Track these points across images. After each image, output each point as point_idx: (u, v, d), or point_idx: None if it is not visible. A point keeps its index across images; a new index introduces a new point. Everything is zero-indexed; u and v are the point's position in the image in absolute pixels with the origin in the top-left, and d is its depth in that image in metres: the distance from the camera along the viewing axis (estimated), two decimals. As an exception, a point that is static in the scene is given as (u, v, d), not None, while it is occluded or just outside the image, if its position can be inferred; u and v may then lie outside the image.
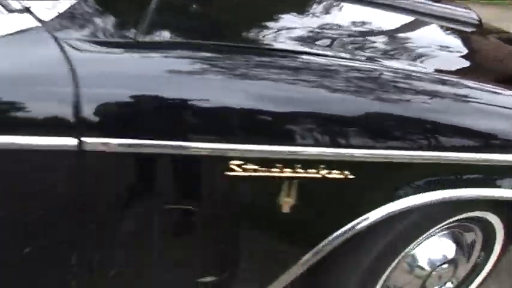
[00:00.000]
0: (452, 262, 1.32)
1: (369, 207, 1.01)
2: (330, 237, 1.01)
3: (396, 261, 1.21)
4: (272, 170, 0.92)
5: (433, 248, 1.29)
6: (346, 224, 1.01)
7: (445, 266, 1.31)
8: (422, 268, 1.29)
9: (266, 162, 0.91)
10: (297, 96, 0.93)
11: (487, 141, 1.08)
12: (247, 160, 0.90)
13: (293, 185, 0.95)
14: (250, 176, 0.92)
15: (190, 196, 0.95)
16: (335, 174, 0.95)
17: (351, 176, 0.96)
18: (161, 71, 0.88)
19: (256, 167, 0.91)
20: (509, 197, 1.14)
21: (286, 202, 0.96)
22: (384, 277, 1.23)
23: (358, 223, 1.01)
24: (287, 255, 1.05)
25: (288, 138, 0.92)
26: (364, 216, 1.01)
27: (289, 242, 1.06)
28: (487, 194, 1.11)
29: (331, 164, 0.94)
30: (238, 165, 0.91)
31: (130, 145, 0.84)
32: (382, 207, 1.01)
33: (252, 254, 1.04)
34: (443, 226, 1.25)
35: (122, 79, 0.84)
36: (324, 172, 0.94)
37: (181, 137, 0.87)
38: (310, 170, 0.94)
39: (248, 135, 0.91)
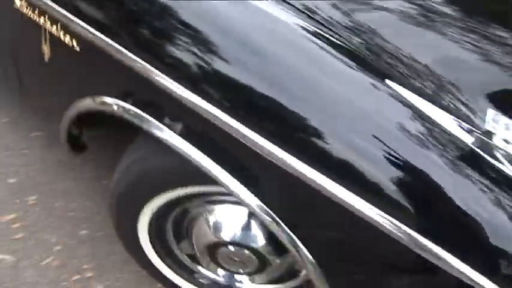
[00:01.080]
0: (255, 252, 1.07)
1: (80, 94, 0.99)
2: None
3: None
4: (34, 12, 1.03)
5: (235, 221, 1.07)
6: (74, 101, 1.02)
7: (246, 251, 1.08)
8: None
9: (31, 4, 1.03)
10: None
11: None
12: (25, -2, 1.05)
13: (46, 35, 1.03)
14: (26, 13, 1.06)
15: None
16: (66, 39, 0.97)
17: (76, 48, 0.96)
18: None
19: (28, 6, 1.05)
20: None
21: (45, 52, 1.06)
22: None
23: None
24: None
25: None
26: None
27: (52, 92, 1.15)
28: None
29: (63, 26, 0.97)
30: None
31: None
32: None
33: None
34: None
35: None
36: (60, 33, 0.98)
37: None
38: (52, 26, 0.99)
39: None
